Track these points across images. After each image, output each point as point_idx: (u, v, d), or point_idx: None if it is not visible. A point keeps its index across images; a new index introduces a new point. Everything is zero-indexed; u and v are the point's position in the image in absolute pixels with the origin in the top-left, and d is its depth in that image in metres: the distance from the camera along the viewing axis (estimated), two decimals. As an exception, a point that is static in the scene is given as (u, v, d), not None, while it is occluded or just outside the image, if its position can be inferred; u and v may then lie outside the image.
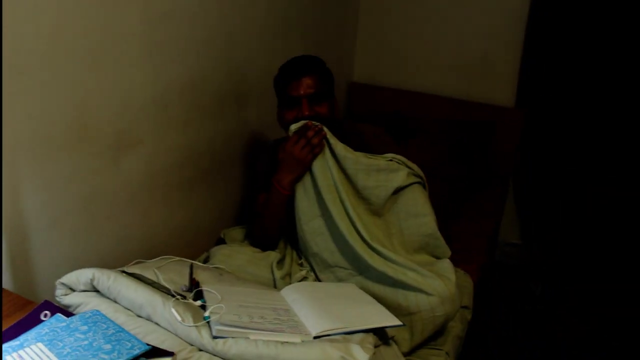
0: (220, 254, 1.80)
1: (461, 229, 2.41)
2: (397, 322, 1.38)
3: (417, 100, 3.17)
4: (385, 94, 3.23)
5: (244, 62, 2.19)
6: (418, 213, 1.75)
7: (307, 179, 1.76)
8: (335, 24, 3.03)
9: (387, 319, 1.38)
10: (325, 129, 1.73)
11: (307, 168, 1.72)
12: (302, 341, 1.27)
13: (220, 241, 2.09)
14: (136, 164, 1.73)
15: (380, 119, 3.13)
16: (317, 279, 1.78)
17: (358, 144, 1.79)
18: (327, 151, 1.72)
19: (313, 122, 1.73)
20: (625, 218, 2.87)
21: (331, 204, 1.67)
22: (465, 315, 1.85)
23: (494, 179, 2.99)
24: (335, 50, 3.04)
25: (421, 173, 1.80)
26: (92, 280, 1.37)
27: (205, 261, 1.84)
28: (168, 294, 1.39)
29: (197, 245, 2.08)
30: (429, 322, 1.56)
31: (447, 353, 1.63)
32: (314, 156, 1.70)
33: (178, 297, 1.39)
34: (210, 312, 1.33)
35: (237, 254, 1.80)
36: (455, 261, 2.14)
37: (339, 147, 1.71)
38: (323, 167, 1.71)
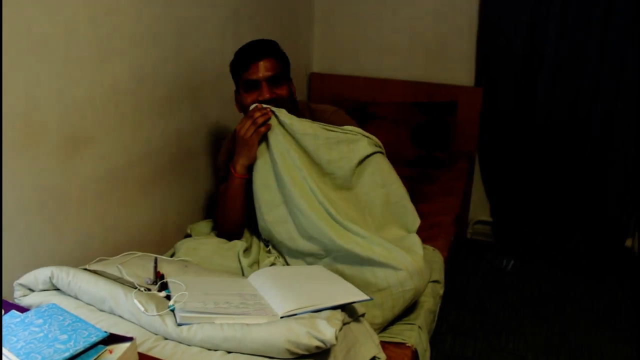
0: (185, 247, 1.78)
1: (429, 209, 2.41)
2: (365, 297, 1.37)
3: (377, 85, 3.18)
4: (345, 82, 3.23)
5: (196, 56, 2.16)
6: (385, 182, 1.75)
7: (265, 167, 1.74)
8: (291, 14, 3.02)
9: (354, 295, 1.37)
10: (283, 111, 1.71)
11: (254, 148, 1.71)
12: (274, 321, 1.26)
13: (188, 237, 2.06)
14: (91, 163, 1.69)
15: (340, 106, 3.13)
16: (287, 264, 1.77)
17: (317, 120, 1.78)
18: (283, 133, 1.71)
19: (262, 105, 1.73)
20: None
21: (293, 187, 1.65)
22: (437, 290, 1.85)
23: (459, 157, 3.01)
24: (292, 41, 3.03)
25: (380, 143, 1.80)
26: (51, 278, 1.34)
27: (172, 257, 1.81)
28: (132, 287, 1.37)
29: (164, 242, 2.05)
30: (398, 297, 1.56)
31: (419, 327, 1.63)
32: (259, 135, 1.69)
33: (142, 289, 1.37)
34: (175, 301, 1.31)
35: (202, 245, 1.78)
36: (425, 239, 2.16)
37: (297, 125, 1.70)
38: (281, 151, 1.69)
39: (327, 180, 1.72)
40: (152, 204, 2.01)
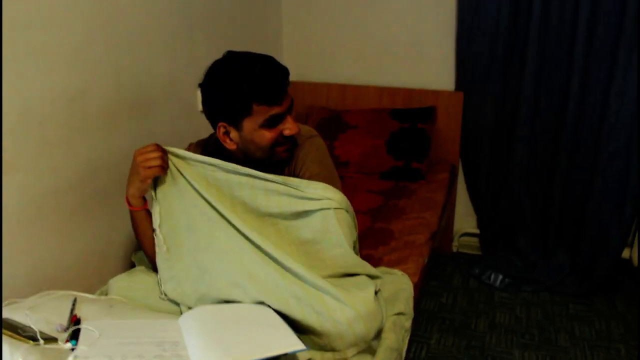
0: (117, 286, 1.58)
1: (402, 227, 2.22)
2: (300, 346, 1.18)
3: (351, 93, 3.00)
4: (317, 89, 3.05)
5: (138, 69, 1.97)
6: (334, 244, 1.49)
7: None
8: (258, 20, 2.83)
9: (289, 345, 1.19)
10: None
11: (146, 178, 1.46)
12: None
13: (133, 265, 1.87)
14: (15, 191, 1.51)
15: (313, 115, 2.95)
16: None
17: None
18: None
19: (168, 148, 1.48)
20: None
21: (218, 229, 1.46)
22: (401, 323, 1.64)
23: (439, 167, 2.82)
24: (259, 50, 2.83)
25: (345, 203, 1.52)
26: None
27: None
28: (31, 340, 1.18)
29: (106, 272, 1.87)
30: (348, 339, 1.37)
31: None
32: (159, 172, 1.45)
33: (41, 342, 1.18)
34: (74, 357, 1.12)
35: (136, 284, 1.58)
36: (394, 262, 1.97)
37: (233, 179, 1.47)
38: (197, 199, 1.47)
39: (267, 224, 1.50)
40: (91, 232, 1.83)
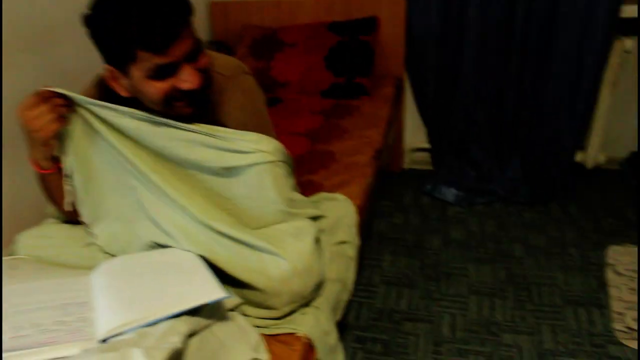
0: (23, 246, 1.40)
1: (344, 148, 2.08)
2: (221, 294, 1.05)
3: (286, 7, 2.76)
4: (250, 7, 2.80)
5: None
6: (269, 201, 1.31)
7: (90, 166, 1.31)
8: None
9: (208, 294, 1.05)
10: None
11: (44, 141, 1.22)
12: (84, 350, 0.93)
13: (48, 219, 1.68)
14: None
15: (247, 36, 2.72)
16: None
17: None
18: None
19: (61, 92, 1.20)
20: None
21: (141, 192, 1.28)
22: (343, 251, 1.53)
23: (384, 81, 2.66)
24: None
25: (281, 154, 1.32)
26: None
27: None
28: None
29: (12, 231, 1.69)
30: (285, 297, 1.24)
31: (316, 307, 1.31)
32: (57, 128, 1.21)
33: None
34: (-46, 337, 0.97)
35: (44, 241, 1.40)
36: (337, 185, 1.84)
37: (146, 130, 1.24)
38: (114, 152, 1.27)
39: (188, 180, 1.31)
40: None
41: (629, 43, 2.46)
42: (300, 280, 1.23)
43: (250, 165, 1.27)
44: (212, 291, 1.05)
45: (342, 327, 1.80)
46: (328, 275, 1.40)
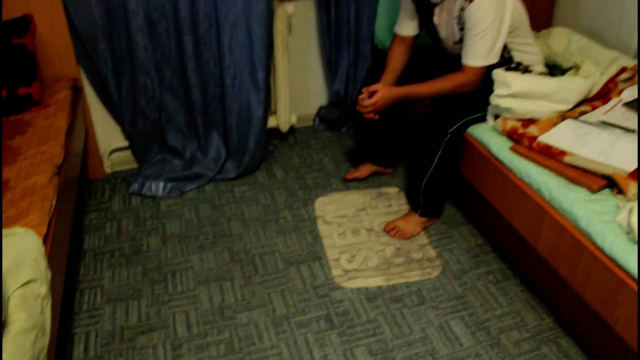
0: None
1: (17, 172, 1.81)
2: None
3: None
4: None
5: None
6: None
7: None
8: None
9: None
10: None
11: None
12: None
13: None
14: None
15: None
16: None
17: None
18: None
19: None
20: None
21: None
22: (32, 292, 1.33)
23: (57, 85, 2.40)
24: None
25: None
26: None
27: None
28: None
29: None
30: None
31: None
32: None
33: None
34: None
35: None
36: (14, 218, 1.60)
37: None
38: None
39: None
40: None
41: (290, 8, 2.60)
42: None
43: None
44: None
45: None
46: (16, 327, 1.20)
